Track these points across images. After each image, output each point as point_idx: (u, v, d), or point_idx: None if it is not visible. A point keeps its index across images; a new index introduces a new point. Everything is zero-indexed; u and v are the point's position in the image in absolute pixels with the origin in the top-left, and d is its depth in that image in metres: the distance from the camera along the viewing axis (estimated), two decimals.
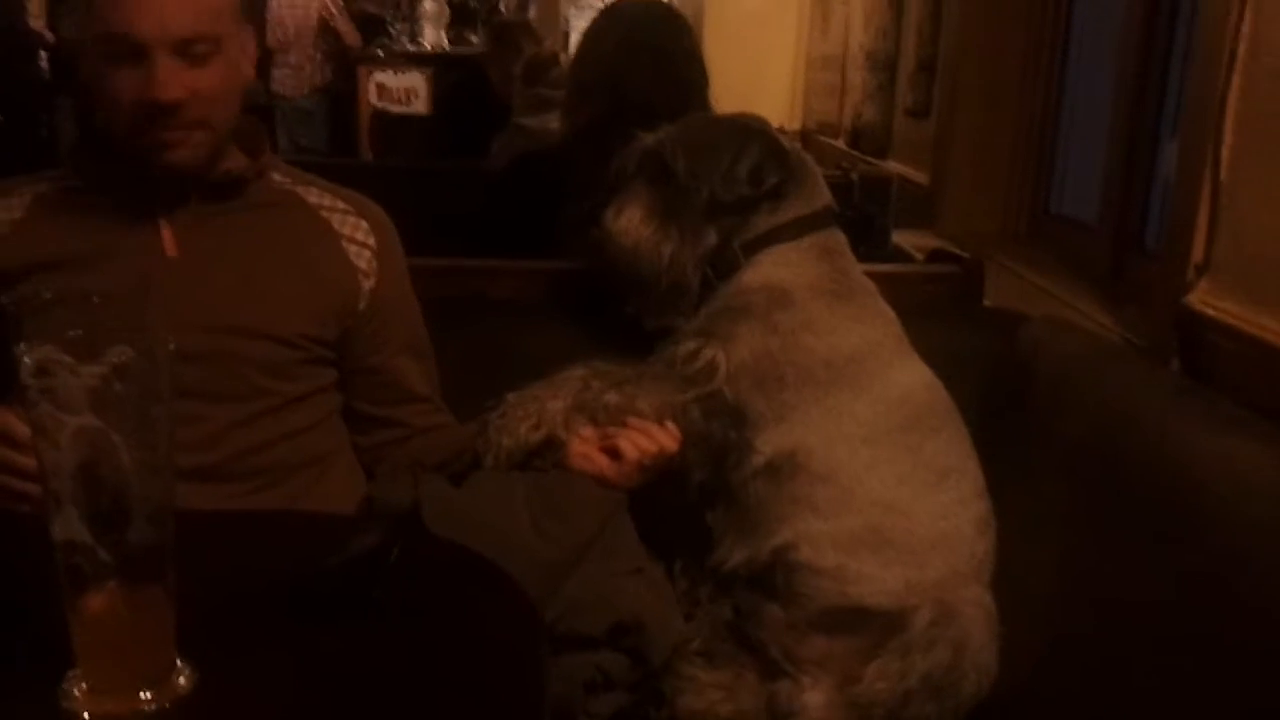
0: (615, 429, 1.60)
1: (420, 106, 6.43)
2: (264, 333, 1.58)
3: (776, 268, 1.70)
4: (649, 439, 1.58)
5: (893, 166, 3.74)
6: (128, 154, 1.53)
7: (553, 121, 3.57)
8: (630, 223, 1.72)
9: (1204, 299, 1.72)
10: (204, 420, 1.54)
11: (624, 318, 1.77)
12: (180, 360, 1.48)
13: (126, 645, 0.96)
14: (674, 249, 1.69)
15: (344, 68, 6.71)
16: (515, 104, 3.89)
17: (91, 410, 0.89)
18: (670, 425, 1.60)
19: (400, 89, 6.62)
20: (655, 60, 2.26)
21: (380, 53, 6.95)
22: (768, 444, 1.62)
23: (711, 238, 1.71)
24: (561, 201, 2.21)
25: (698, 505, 1.70)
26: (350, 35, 6.63)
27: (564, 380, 1.64)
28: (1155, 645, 1.32)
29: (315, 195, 1.70)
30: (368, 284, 1.68)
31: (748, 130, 1.75)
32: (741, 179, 1.69)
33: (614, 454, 1.58)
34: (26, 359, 0.88)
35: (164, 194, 1.57)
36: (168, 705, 0.94)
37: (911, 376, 1.70)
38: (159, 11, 1.44)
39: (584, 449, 1.60)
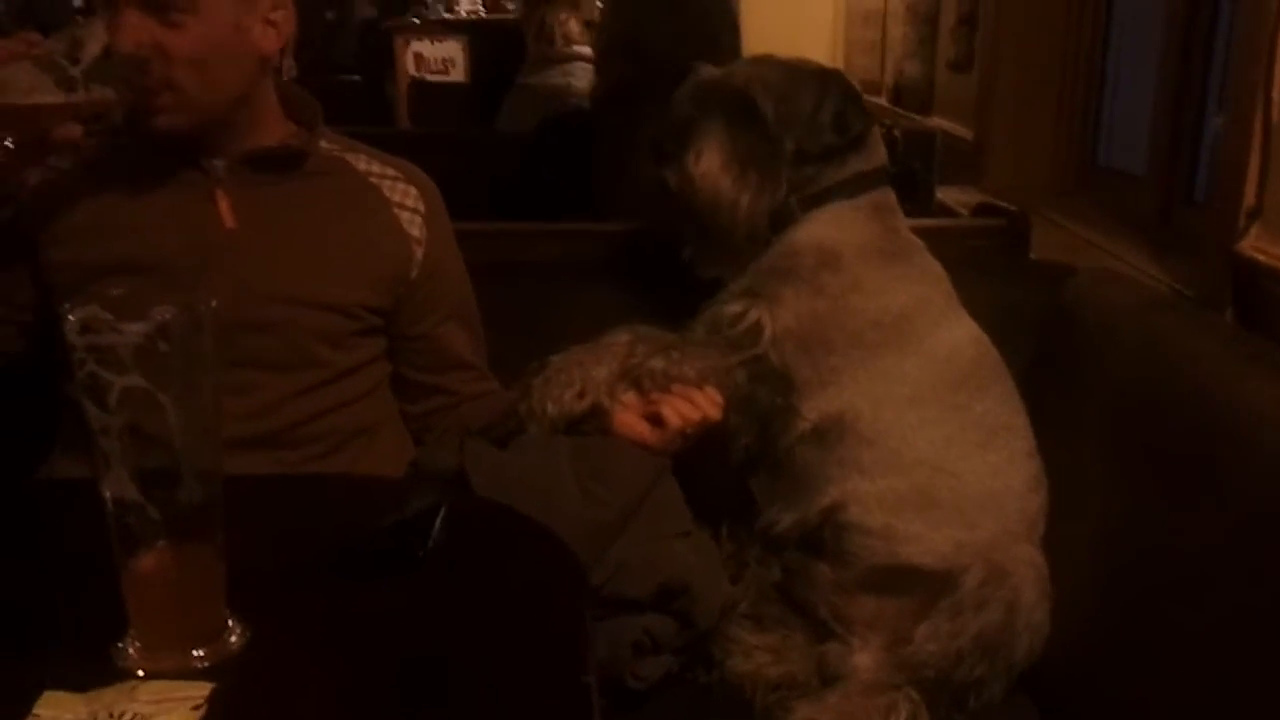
0: (658, 395, 1.57)
1: (459, 75, 6.41)
2: (323, 303, 1.58)
3: (830, 227, 1.66)
4: (691, 406, 1.56)
5: (936, 122, 3.69)
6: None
7: (555, 78, 3.59)
8: (711, 168, 1.62)
9: (1256, 245, 1.69)
10: (261, 389, 1.55)
11: (662, 276, 1.75)
12: (239, 330, 1.51)
13: (178, 604, 0.97)
14: (751, 199, 1.62)
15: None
16: (525, 64, 3.90)
17: (138, 370, 0.89)
18: (712, 391, 1.57)
19: (438, 58, 6.59)
20: (678, 17, 2.23)
21: (416, 20, 6.92)
22: (814, 410, 1.60)
23: (783, 189, 1.65)
24: (592, 163, 2.20)
25: (742, 470, 1.68)
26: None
27: (608, 346, 1.60)
28: (1209, 599, 1.30)
29: (364, 162, 1.70)
30: (419, 251, 1.68)
31: (825, 75, 1.68)
32: (826, 127, 1.64)
33: (656, 420, 1.56)
34: (71, 317, 0.88)
35: (219, 165, 1.57)
36: (220, 662, 0.95)
37: (959, 333, 1.67)
38: None
39: (626, 416, 1.58)
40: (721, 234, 1.65)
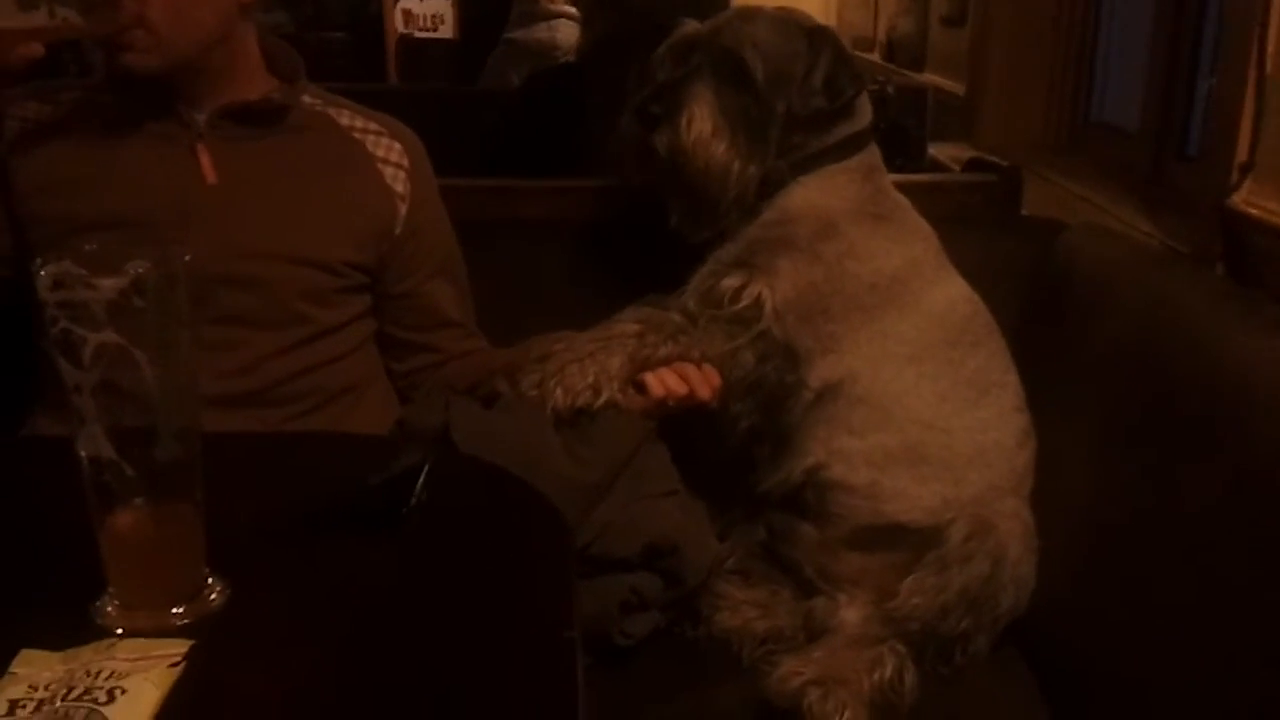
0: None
1: (448, 32, 6.36)
2: (307, 259, 1.57)
3: (821, 192, 1.63)
4: (678, 379, 1.54)
5: (929, 78, 3.66)
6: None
7: (540, 33, 3.56)
8: (702, 133, 1.55)
9: (1248, 199, 1.68)
10: (244, 346, 1.54)
11: (651, 234, 1.73)
12: (222, 286, 1.50)
13: (156, 562, 0.96)
14: (742, 165, 1.58)
15: None
16: (510, 19, 3.87)
17: (112, 326, 0.87)
18: (710, 370, 1.55)
19: (427, 15, 6.54)
20: None
21: None
22: (817, 379, 1.60)
23: (772, 153, 1.61)
24: (579, 118, 2.18)
25: (743, 442, 1.66)
26: None
27: (619, 336, 1.56)
28: (1199, 552, 1.30)
29: (347, 117, 1.68)
30: (403, 207, 1.67)
31: (815, 34, 1.63)
32: (817, 90, 1.60)
33: (640, 387, 1.54)
34: (43, 273, 0.86)
35: (200, 119, 1.55)
36: (199, 620, 0.94)
37: (952, 291, 1.67)
38: None
39: None
40: (711, 201, 1.61)
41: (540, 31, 3.74)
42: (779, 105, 1.59)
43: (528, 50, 3.69)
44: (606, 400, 1.51)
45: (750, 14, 1.64)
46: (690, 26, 1.64)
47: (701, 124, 1.55)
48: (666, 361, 1.55)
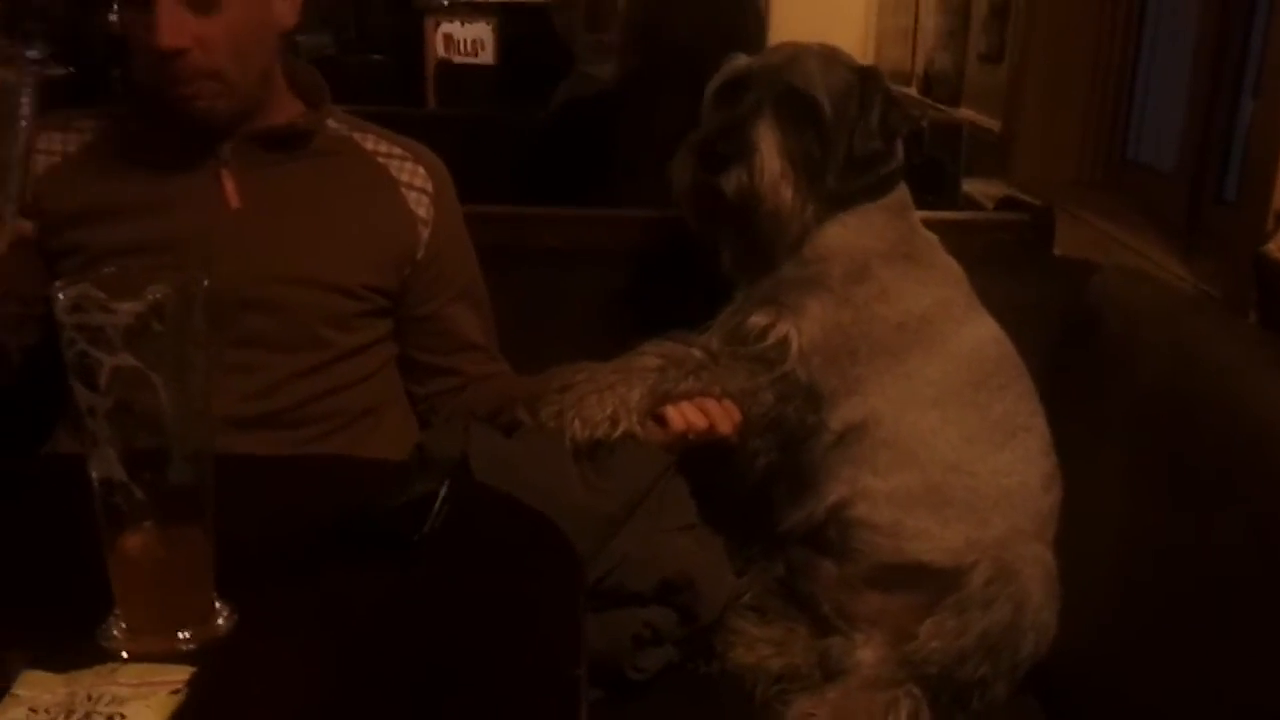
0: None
1: (488, 57, 6.41)
2: (329, 284, 1.58)
3: (858, 232, 1.61)
4: (699, 414, 1.52)
5: (965, 114, 3.65)
6: (159, 105, 1.51)
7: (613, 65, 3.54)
8: (773, 176, 1.51)
9: None
10: (265, 369, 1.55)
11: (678, 266, 1.73)
12: (243, 310, 1.51)
13: (164, 585, 0.96)
14: (808, 209, 1.54)
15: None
16: (578, 51, 3.86)
17: (129, 350, 0.88)
18: (730, 405, 1.53)
19: (467, 40, 6.59)
20: (700, 4, 2.19)
21: (446, 2, 6.92)
22: (839, 420, 1.58)
23: (826, 194, 1.57)
24: (611, 147, 2.18)
25: (762, 480, 1.64)
26: None
27: (639, 369, 1.54)
28: (1224, 602, 1.28)
29: (372, 142, 1.68)
30: (426, 232, 1.67)
31: (866, 74, 1.60)
32: (874, 131, 1.57)
33: (660, 420, 1.53)
34: (61, 295, 0.87)
35: (225, 145, 1.56)
36: (205, 645, 0.94)
37: (981, 332, 1.65)
38: None
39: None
40: (771, 243, 1.58)
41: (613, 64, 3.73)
42: (840, 147, 1.56)
43: (598, 82, 3.68)
44: (624, 432, 1.49)
45: (804, 51, 1.60)
46: (742, 61, 1.61)
47: (772, 164, 1.51)
48: (686, 396, 1.53)
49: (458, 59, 6.11)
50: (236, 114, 1.54)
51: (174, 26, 1.42)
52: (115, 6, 6.31)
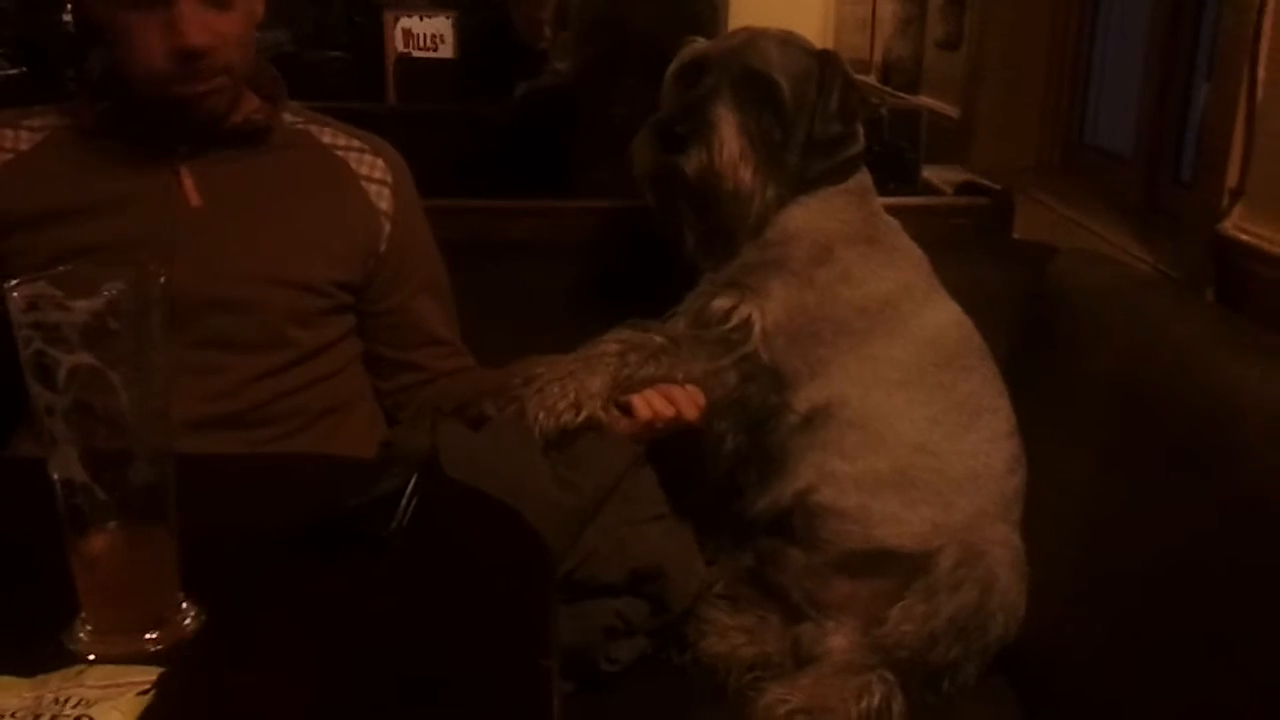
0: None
1: (448, 51, 6.37)
2: (295, 281, 1.56)
3: (821, 215, 1.62)
4: (665, 401, 1.53)
5: (924, 101, 3.67)
6: (151, 104, 1.50)
7: None
8: (732, 156, 1.52)
9: (1239, 225, 1.68)
10: (229, 370, 1.53)
11: (641, 254, 1.72)
12: (208, 310, 1.50)
13: (129, 586, 0.95)
14: (763, 190, 1.55)
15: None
16: (548, 48, 3.85)
17: (86, 348, 0.86)
18: (694, 390, 1.54)
19: (427, 34, 6.55)
20: None
21: None
22: (804, 401, 1.58)
23: (788, 177, 1.58)
24: (571, 138, 2.17)
25: (729, 464, 1.66)
26: None
27: (600, 356, 1.54)
28: (1189, 579, 1.30)
29: (329, 136, 1.67)
30: (388, 224, 1.66)
31: (824, 58, 1.61)
32: (834, 115, 1.58)
33: (626, 409, 1.53)
34: (15, 294, 0.85)
35: (186, 141, 1.54)
36: (172, 646, 0.93)
37: (943, 315, 1.66)
38: None
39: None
40: (730, 226, 1.59)
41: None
42: (800, 129, 1.57)
43: (560, 75, 3.68)
44: (588, 417, 1.49)
45: (761, 35, 1.61)
46: (700, 45, 1.62)
47: (731, 147, 1.52)
48: (649, 382, 1.54)
49: (417, 53, 6.06)
50: (230, 108, 1.54)
51: (199, 25, 1.43)
52: (69, 6, 6.26)
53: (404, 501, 1.14)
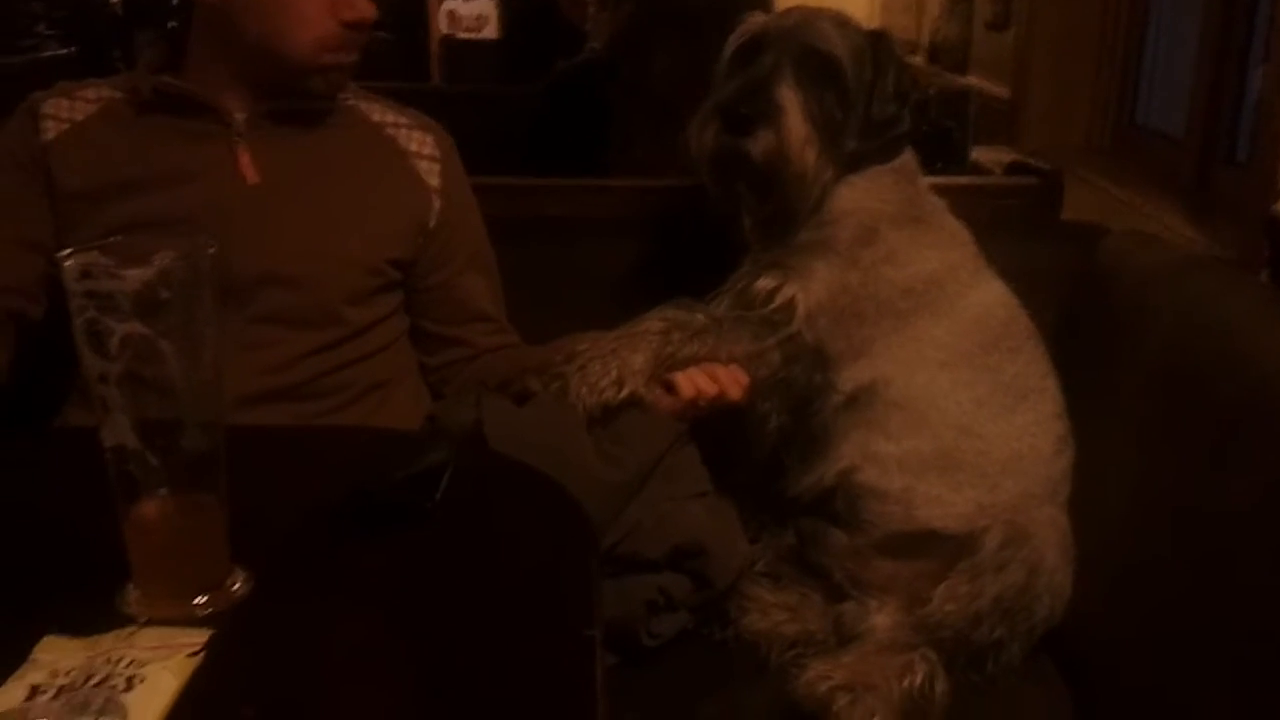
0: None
1: (491, 32, 6.39)
2: (349, 259, 1.58)
3: (868, 195, 1.60)
4: (708, 380, 1.52)
5: (972, 82, 3.63)
6: (291, 79, 1.54)
7: None
8: (799, 142, 1.49)
9: None
10: (281, 345, 1.54)
11: (682, 233, 1.72)
12: (263, 286, 1.50)
13: (180, 552, 0.96)
14: (830, 172, 1.54)
15: None
16: (589, 29, 3.85)
17: (138, 317, 0.88)
18: (738, 370, 1.53)
19: (471, 16, 6.57)
20: None
21: None
22: (848, 381, 1.58)
23: (844, 157, 1.56)
24: (606, 112, 2.15)
25: (774, 444, 1.65)
26: None
27: (643, 334, 1.53)
28: (1237, 561, 1.28)
29: (379, 113, 1.68)
30: (437, 200, 1.67)
31: (877, 38, 1.59)
32: (890, 96, 1.56)
33: (670, 387, 1.53)
34: (70, 263, 0.87)
35: (240, 119, 1.55)
36: (221, 610, 0.94)
37: (989, 296, 1.64)
38: None
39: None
40: (794, 208, 1.56)
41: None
42: (859, 109, 1.55)
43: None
44: (629, 394, 1.49)
45: (816, 14, 1.58)
46: (759, 20, 1.59)
47: (798, 128, 1.50)
48: (691, 360, 1.53)
49: (461, 35, 6.08)
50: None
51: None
52: None
53: (447, 474, 1.15)
